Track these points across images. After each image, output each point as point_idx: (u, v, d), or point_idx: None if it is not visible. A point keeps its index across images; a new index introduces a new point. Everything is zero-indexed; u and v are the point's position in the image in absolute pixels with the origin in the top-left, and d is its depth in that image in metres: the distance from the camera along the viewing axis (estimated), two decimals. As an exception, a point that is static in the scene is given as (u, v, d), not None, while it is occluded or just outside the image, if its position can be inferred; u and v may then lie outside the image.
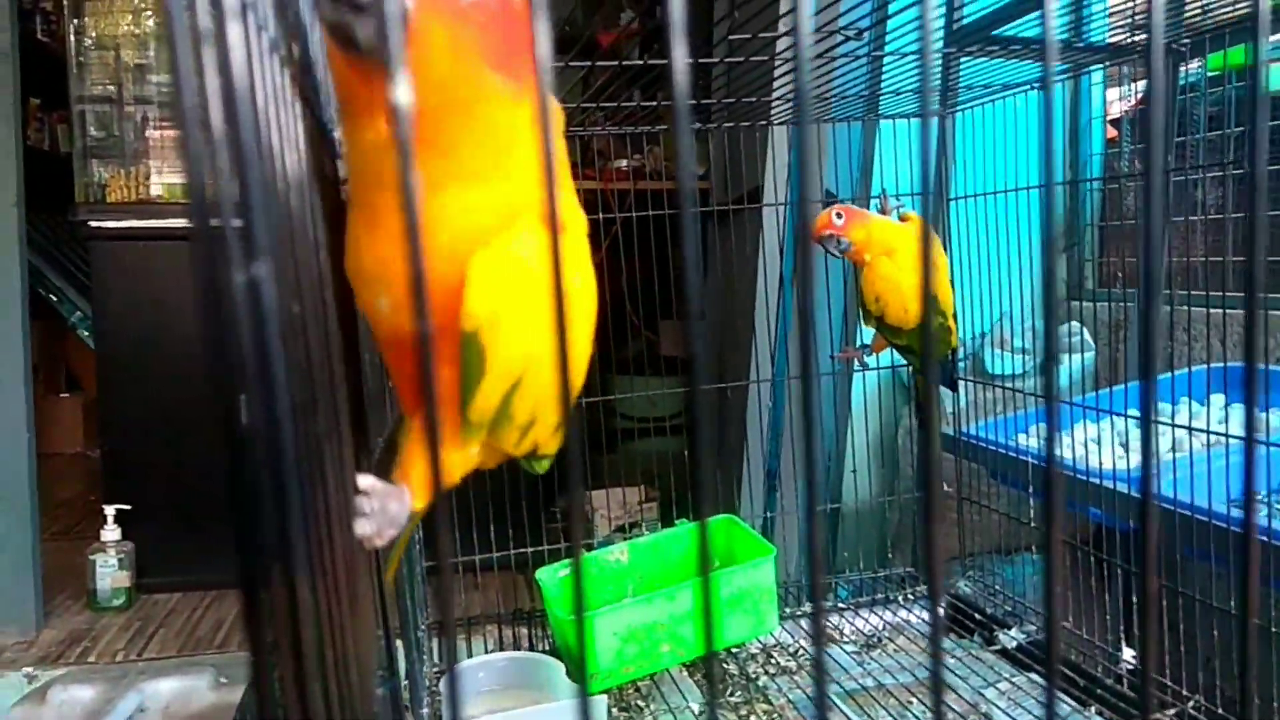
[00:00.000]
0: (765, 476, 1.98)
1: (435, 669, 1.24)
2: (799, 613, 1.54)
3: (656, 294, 1.89)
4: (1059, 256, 2.27)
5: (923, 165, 0.32)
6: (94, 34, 2.67)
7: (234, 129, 0.23)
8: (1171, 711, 1.09)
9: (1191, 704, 1.10)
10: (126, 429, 2.50)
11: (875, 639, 1.48)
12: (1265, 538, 1.11)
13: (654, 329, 3.12)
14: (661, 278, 1.81)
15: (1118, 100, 2.32)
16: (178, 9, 0.22)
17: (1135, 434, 1.48)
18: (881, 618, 1.54)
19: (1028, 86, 1.37)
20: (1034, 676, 1.29)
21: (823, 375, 1.70)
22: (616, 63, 1.18)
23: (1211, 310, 1.51)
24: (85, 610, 2.33)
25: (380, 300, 0.57)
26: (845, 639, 1.49)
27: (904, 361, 1.57)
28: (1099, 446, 1.48)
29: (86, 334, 3.49)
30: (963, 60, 1.19)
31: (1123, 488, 1.32)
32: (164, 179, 2.69)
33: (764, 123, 1.54)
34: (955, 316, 1.41)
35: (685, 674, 1.36)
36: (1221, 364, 1.56)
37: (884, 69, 1.22)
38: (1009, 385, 1.63)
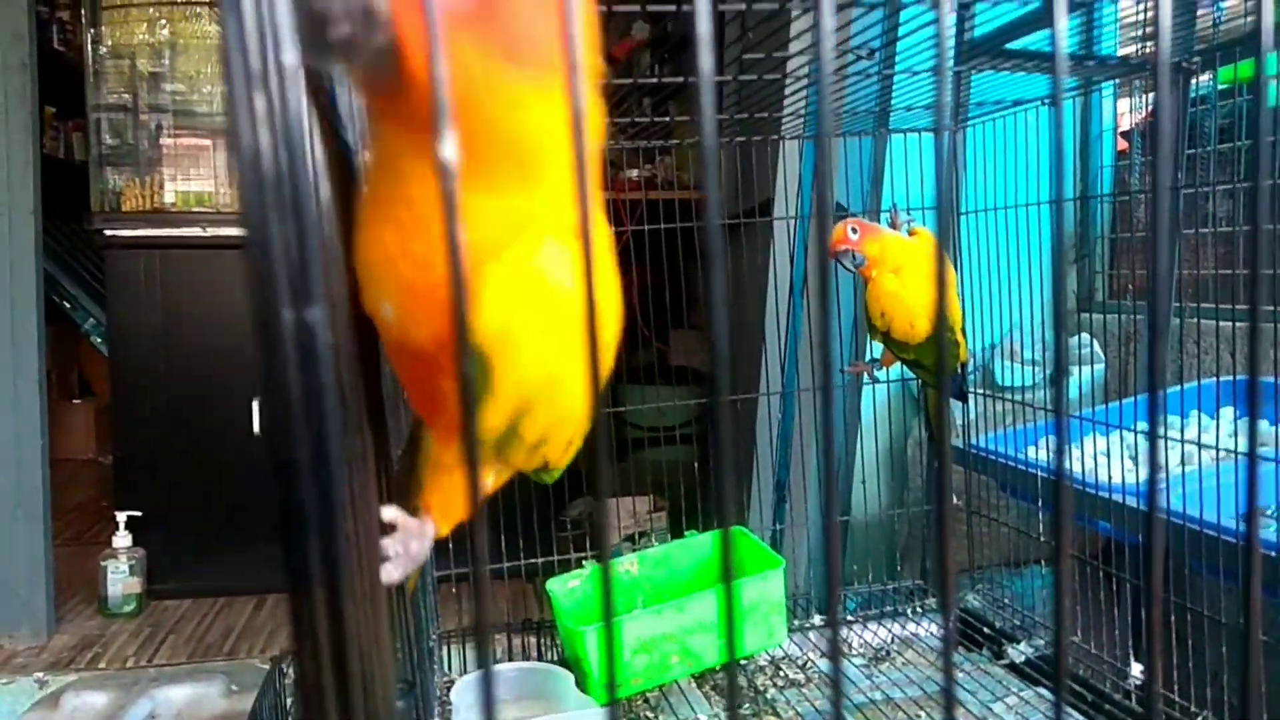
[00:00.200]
0: (774, 487, 1.99)
1: (445, 679, 1.25)
2: (808, 625, 1.54)
3: (668, 304, 1.90)
4: (1069, 269, 2.27)
5: (936, 180, 0.33)
6: (110, 43, 2.70)
7: (293, 185, 0.24)
8: (1180, 727, 1.09)
9: (1200, 719, 1.10)
10: (139, 436, 2.52)
11: (884, 652, 1.48)
12: (1274, 552, 1.11)
13: (664, 339, 3.13)
14: (672, 287, 1.82)
15: (1129, 112, 2.32)
16: (236, 56, 0.23)
17: (1145, 447, 1.48)
18: (890, 630, 1.54)
19: (1038, 101, 1.38)
20: (1042, 691, 1.29)
21: (832, 388, 1.70)
22: (631, 79, 1.19)
23: (1221, 323, 1.51)
24: (96, 616, 2.35)
25: (384, 305, 0.55)
26: (854, 652, 1.49)
27: (913, 375, 1.58)
28: (1108, 459, 1.48)
29: (99, 340, 3.51)
30: (974, 76, 1.20)
31: (1131, 501, 1.32)
32: (177, 186, 2.71)
33: (775, 137, 1.55)
34: (963, 331, 1.42)
35: (694, 685, 1.36)
36: (1231, 377, 1.56)
37: (895, 85, 1.23)
38: (1017, 399, 1.63)
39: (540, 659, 1.46)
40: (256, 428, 2.55)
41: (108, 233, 2.53)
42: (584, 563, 1.48)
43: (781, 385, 1.81)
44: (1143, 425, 1.58)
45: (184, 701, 1.48)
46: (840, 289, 1.62)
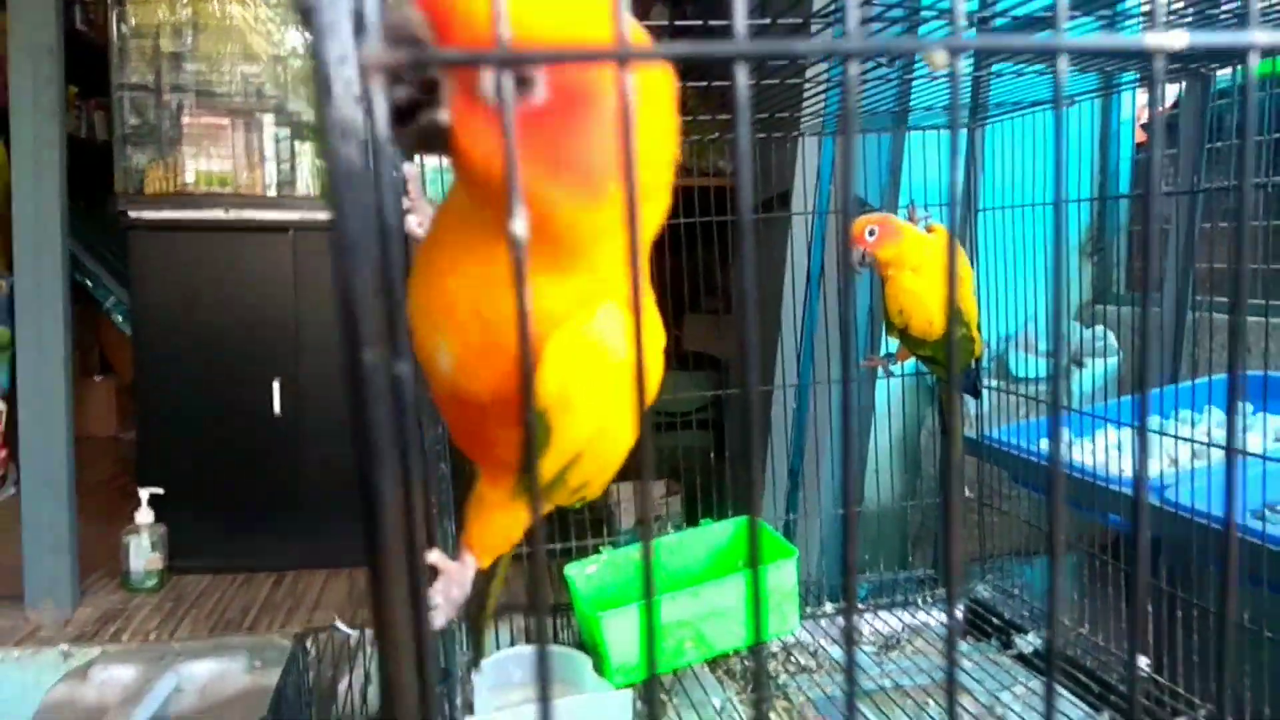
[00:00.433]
0: (789, 474, 2.01)
1: (465, 658, 1.28)
2: (819, 613, 1.57)
3: (685, 289, 1.91)
4: (1085, 263, 2.28)
5: (951, 187, 0.35)
6: (134, 22, 2.72)
7: (382, 248, 0.26)
8: (1183, 719, 1.11)
9: (1204, 713, 1.12)
10: (161, 415, 2.57)
11: (894, 640, 1.50)
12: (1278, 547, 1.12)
13: (679, 324, 3.15)
14: (690, 272, 1.83)
15: (1149, 104, 2.32)
16: (333, 113, 0.25)
17: (1159, 440, 1.49)
18: (900, 619, 1.57)
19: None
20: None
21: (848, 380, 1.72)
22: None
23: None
24: (119, 590, 2.39)
25: (442, 354, 0.59)
26: (864, 640, 1.52)
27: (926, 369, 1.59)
28: (1119, 453, 1.50)
29: (121, 319, 3.55)
30: (992, 81, 1.21)
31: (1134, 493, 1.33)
32: (198, 165, 2.74)
33: (795, 134, 1.56)
34: (979, 327, 1.43)
35: (707, 670, 1.39)
36: (1245, 372, 1.57)
37: (913, 88, 1.24)
38: (1028, 394, 1.65)
39: (555, 640, 1.49)
40: (277, 407, 2.59)
41: (131, 214, 2.57)
42: (600, 549, 1.51)
43: (797, 377, 1.83)
44: (1155, 420, 1.59)
45: (208, 676, 1.52)
46: (865, 285, 1.64)
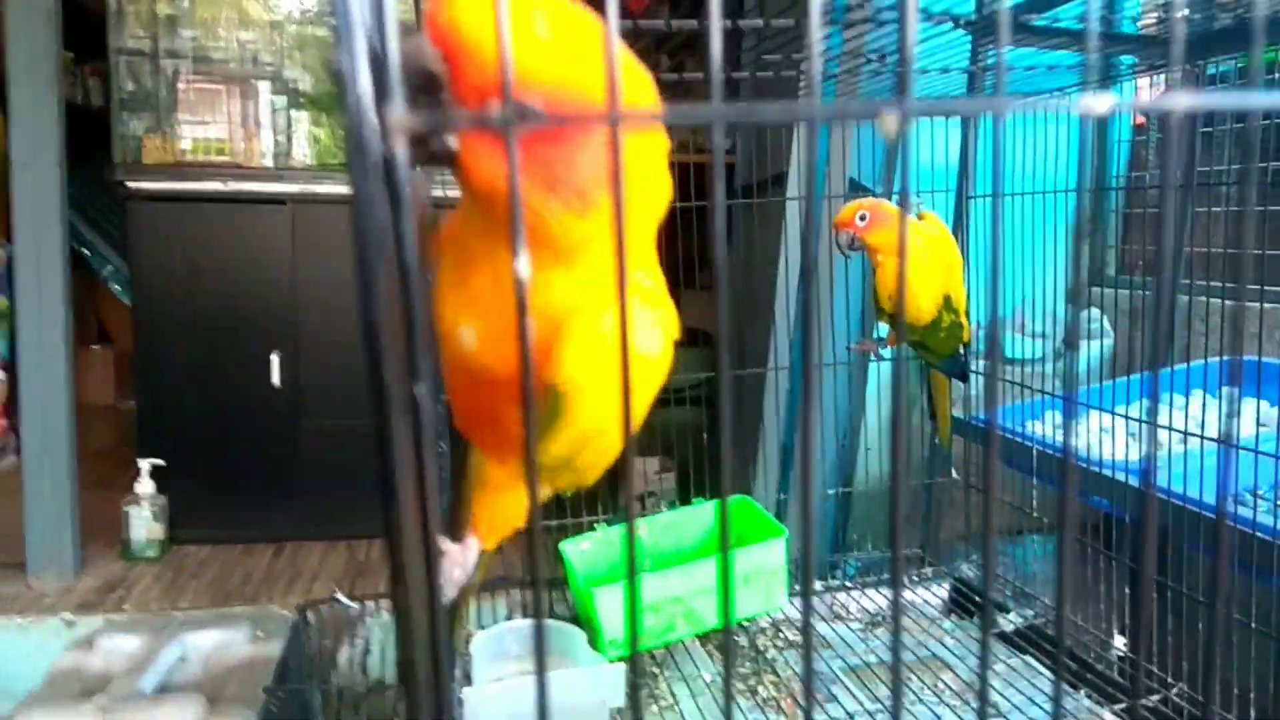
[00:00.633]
0: (780, 452, 2.04)
1: (465, 632, 1.32)
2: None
3: (680, 263, 1.93)
4: (1079, 245, 2.30)
5: (964, 164, 0.37)
6: (131, -18, 2.70)
7: (403, 275, 0.28)
8: (1156, 697, 1.16)
9: (1175, 690, 1.17)
10: (161, 384, 2.59)
11: (880, 617, 1.54)
12: (1271, 537, 1.15)
13: (675, 299, 3.16)
14: (685, 248, 1.85)
15: (1148, 87, 2.33)
16: (357, 153, 0.27)
17: (1141, 429, 1.52)
18: (887, 596, 1.61)
19: (1055, 93, 1.41)
20: (1029, 659, 1.35)
21: (839, 364, 1.75)
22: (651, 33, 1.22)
23: (1229, 302, 1.53)
24: (119, 560, 2.43)
25: (465, 331, 0.64)
26: (850, 616, 1.56)
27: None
28: (1106, 436, 1.53)
29: (119, 288, 3.56)
30: (987, 78, 1.23)
31: (1126, 478, 1.37)
32: (195, 133, 2.74)
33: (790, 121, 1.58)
34: (967, 314, 1.46)
35: (698, 645, 1.43)
36: (1234, 356, 1.59)
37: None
38: (1015, 380, 1.68)
39: (551, 615, 1.53)
40: (275, 379, 2.61)
41: (130, 185, 2.57)
42: (595, 526, 1.54)
43: (789, 360, 1.86)
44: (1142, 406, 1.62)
45: (212, 646, 1.55)
46: (850, 268, 1.66)
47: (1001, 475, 1.72)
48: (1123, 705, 1.18)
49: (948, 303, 1.37)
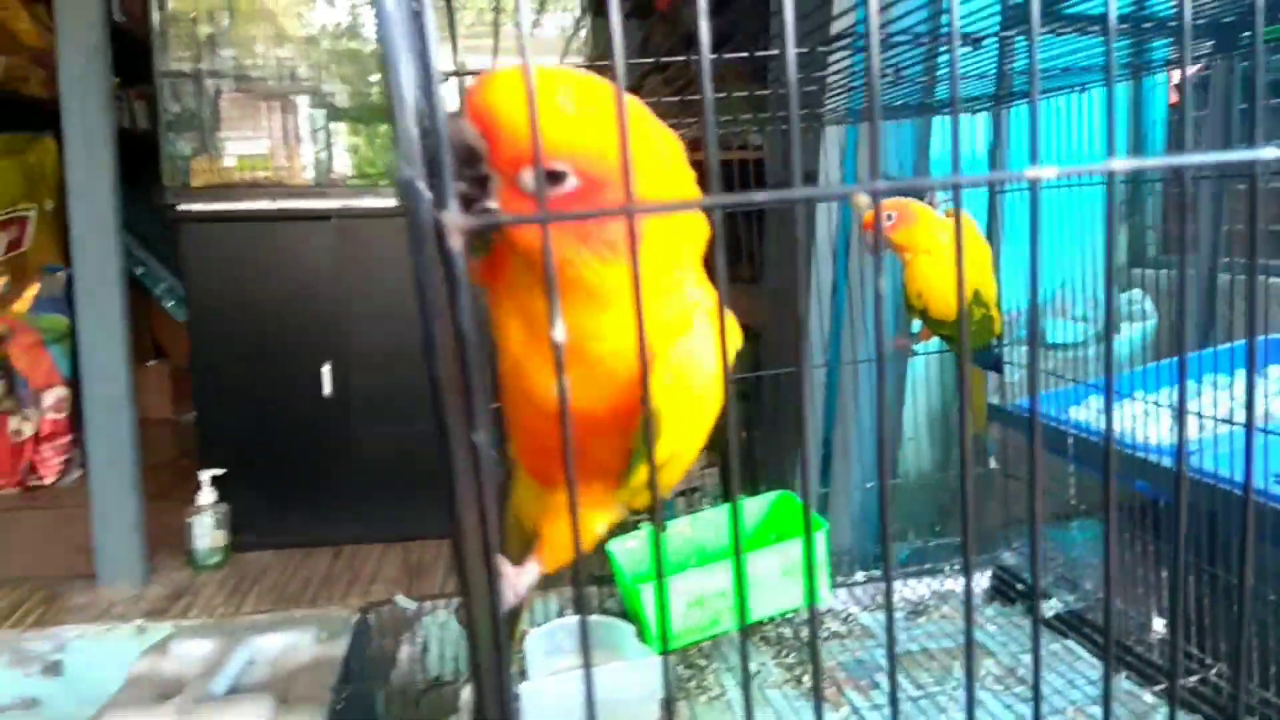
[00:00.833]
0: (821, 450, 2.08)
1: (521, 630, 1.37)
2: (850, 581, 1.63)
3: (715, 258, 1.97)
4: (1120, 227, 2.30)
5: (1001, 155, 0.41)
6: (170, 6, 2.79)
7: (458, 334, 0.33)
8: (1195, 678, 1.18)
9: (1214, 671, 1.18)
10: (219, 398, 2.68)
11: (922, 606, 1.57)
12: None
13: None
14: (724, 242, 1.89)
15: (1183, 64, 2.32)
16: (418, 230, 0.32)
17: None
18: (929, 586, 1.63)
19: (1078, 88, 1.42)
20: (1071, 644, 1.37)
21: (871, 361, 1.78)
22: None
23: (1272, 279, 1.53)
24: (185, 568, 2.52)
25: (536, 373, 0.67)
26: (894, 606, 1.59)
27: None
28: (1149, 419, 1.53)
29: (172, 304, 3.67)
30: (1015, 76, 1.25)
31: (1167, 461, 1.37)
32: (239, 150, 2.83)
33: (817, 124, 1.61)
34: (998, 306, 1.48)
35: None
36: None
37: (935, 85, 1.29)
38: (1053, 371, 1.69)
39: (600, 611, 1.58)
40: (327, 389, 2.69)
41: (180, 208, 2.67)
42: (640, 525, 1.59)
43: (824, 359, 1.89)
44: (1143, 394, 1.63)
45: (279, 648, 1.61)
46: (891, 267, 1.69)
47: (1043, 462, 1.73)
48: (1161, 686, 1.20)
49: (977, 297, 1.39)
